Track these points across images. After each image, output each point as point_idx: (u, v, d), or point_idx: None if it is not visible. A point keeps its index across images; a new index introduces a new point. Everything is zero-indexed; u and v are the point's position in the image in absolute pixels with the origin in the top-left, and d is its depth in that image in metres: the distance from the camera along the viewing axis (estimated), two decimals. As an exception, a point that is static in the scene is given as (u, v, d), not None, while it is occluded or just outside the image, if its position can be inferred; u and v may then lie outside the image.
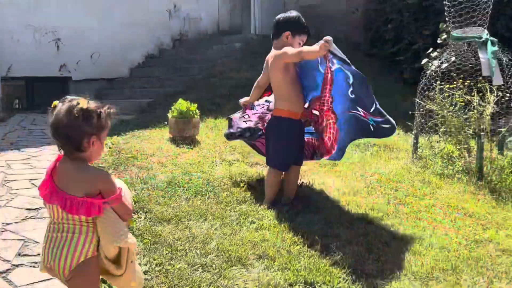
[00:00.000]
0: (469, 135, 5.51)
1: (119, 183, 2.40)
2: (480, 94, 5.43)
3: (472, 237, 3.93)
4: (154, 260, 3.33)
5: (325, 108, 4.23)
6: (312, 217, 4.14)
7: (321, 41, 3.83)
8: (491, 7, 5.45)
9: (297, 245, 3.65)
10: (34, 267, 3.32)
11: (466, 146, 5.51)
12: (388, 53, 11.42)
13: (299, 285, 3.14)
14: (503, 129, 5.58)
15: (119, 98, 10.29)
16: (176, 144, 6.06)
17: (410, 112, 6.29)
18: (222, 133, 6.59)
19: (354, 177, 5.17)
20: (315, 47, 3.90)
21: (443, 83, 5.78)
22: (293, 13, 4.46)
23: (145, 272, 3.15)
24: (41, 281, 3.15)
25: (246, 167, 5.29)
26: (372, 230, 3.95)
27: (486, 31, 5.49)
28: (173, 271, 3.22)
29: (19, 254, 3.48)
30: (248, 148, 5.77)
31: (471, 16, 5.55)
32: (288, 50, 4.19)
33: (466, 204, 4.57)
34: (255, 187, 4.71)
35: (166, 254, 3.42)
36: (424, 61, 7.05)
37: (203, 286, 3.08)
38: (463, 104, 5.54)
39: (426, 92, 5.85)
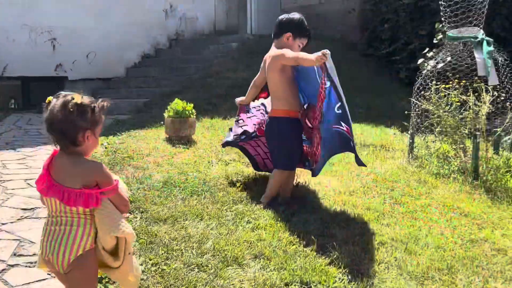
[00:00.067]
0: (465, 135, 5.51)
1: (114, 176, 2.40)
2: (476, 94, 5.44)
3: (467, 237, 3.93)
4: (150, 260, 3.33)
5: (315, 124, 4.24)
6: (308, 217, 4.14)
7: (319, 53, 3.81)
8: (486, 7, 5.46)
9: (293, 244, 3.65)
10: (29, 267, 3.31)
11: (461, 146, 5.52)
12: (384, 53, 11.44)
13: (295, 285, 3.14)
14: (498, 129, 5.59)
15: (115, 98, 10.26)
16: (172, 144, 6.05)
17: (406, 112, 6.30)
18: (218, 133, 6.63)
19: (350, 177, 5.17)
20: (312, 56, 3.89)
21: (439, 83, 5.79)
22: (297, 16, 4.46)
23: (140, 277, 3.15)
24: (37, 281, 3.15)
25: (242, 167, 5.29)
26: (368, 230, 3.95)
27: (481, 31, 5.50)
28: (169, 271, 3.21)
29: (14, 254, 3.47)
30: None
31: (467, 16, 5.56)
32: (286, 52, 4.20)
33: (462, 204, 4.58)
34: (251, 187, 4.71)
35: (162, 254, 3.42)
36: (420, 61, 7.06)
37: (199, 286, 3.08)
38: (458, 104, 5.54)
39: (422, 92, 5.86)
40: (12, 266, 3.33)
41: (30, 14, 10.46)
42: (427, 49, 7.31)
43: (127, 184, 4.55)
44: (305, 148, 4.52)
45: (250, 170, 5.16)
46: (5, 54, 10.15)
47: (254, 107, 4.87)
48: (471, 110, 5.41)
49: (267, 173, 5.00)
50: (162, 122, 6.77)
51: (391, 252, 3.62)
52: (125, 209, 2.40)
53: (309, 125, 4.34)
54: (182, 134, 6.18)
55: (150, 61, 12.31)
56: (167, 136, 6.32)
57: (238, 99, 4.96)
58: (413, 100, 5.96)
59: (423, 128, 5.86)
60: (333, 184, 4.91)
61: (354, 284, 3.18)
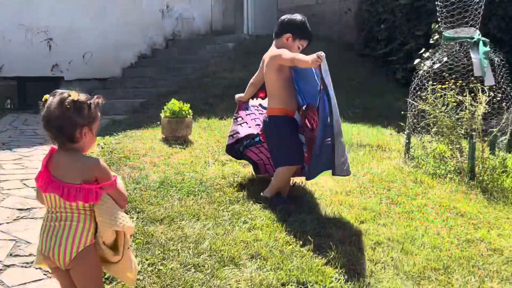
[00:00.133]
0: (461, 135, 5.52)
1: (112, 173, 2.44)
2: (472, 94, 5.45)
3: (464, 237, 3.94)
4: (147, 260, 3.32)
5: (315, 126, 4.23)
6: (304, 217, 4.13)
7: (314, 55, 3.81)
8: (483, 7, 5.48)
9: (290, 245, 3.65)
10: (25, 267, 3.31)
11: (458, 146, 5.52)
12: (380, 53, 11.47)
13: (291, 285, 3.14)
14: (494, 129, 5.59)
15: (112, 98, 10.25)
16: (168, 144, 6.05)
17: (402, 112, 6.31)
18: (215, 133, 6.63)
19: (346, 177, 5.17)
20: (308, 58, 3.89)
21: (435, 83, 5.79)
22: (298, 17, 4.44)
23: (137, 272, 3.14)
24: (33, 281, 3.15)
25: (239, 167, 5.29)
26: (364, 230, 3.95)
27: (478, 32, 5.51)
28: (165, 271, 3.21)
29: (10, 255, 3.46)
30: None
31: (463, 17, 5.57)
32: (283, 53, 4.21)
33: (458, 204, 4.59)
34: (248, 187, 4.71)
35: (159, 254, 3.41)
36: (417, 61, 7.08)
37: (196, 286, 3.08)
38: (455, 104, 5.55)
39: (418, 92, 5.87)
40: (8, 266, 3.32)
41: (26, 14, 10.44)
42: (423, 49, 7.32)
43: (123, 184, 4.54)
44: (306, 154, 4.48)
45: (247, 171, 5.16)
46: (1, 54, 10.13)
47: (253, 106, 4.88)
48: (467, 111, 5.41)
49: (265, 176, 5.00)
50: (158, 122, 6.76)
51: (388, 252, 3.62)
52: (124, 204, 2.44)
53: (309, 126, 4.34)
54: (178, 134, 6.18)
55: (146, 61, 12.30)
56: (164, 136, 6.32)
57: (237, 96, 4.99)
58: (410, 100, 5.96)
59: (419, 129, 5.87)
60: (330, 184, 4.91)
61: (350, 284, 3.18)
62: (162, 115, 6.29)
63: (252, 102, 4.91)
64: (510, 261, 3.61)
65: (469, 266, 3.49)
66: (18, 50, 10.34)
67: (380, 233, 3.91)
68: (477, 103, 5.36)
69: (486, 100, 5.34)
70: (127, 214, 3.91)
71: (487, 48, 5.38)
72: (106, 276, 3.09)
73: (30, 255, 3.45)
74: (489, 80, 5.33)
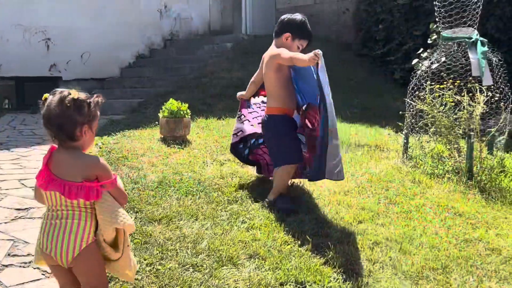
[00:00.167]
0: (459, 135, 5.52)
1: None
2: (470, 94, 5.45)
3: (462, 236, 3.94)
4: (145, 260, 3.32)
5: (316, 125, 4.21)
6: (303, 216, 4.14)
7: (311, 53, 3.80)
8: (481, 7, 5.48)
9: (288, 244, 3.65)
10: (24, 267, 3.30)
11: (456, 146, 5.53)
12: (379, 53, 11.48)
13: (290, 285, 3.14)
14: (492, 129, 5.60)
15: (110, 98, 10.23)
16: (167, 144, 6.05)
17: (400, 112, 6.31)
18: (213, 133, 6.63)
19: (345, 177, 5.17)
20: (305, 57, 3.88)
21: (433, 83, 5.79)
22: (298, 17, 4.42)
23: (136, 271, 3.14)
24: (31, 281, 3.14)
25: (237, 167, 5.29)
26: (362, 230, 3.95)
27: (476, 32, 5.52)
28: (163, 271, 3.21)
29: (8, 255, 3.46)
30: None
31: (461, 17, 5.58)
32: (282, 52, 4.20)
33: (456, 204, 4.59)
34: (246, 187, 4.71)
35: (157, 254, 3.41)
36: (415, 61, 7.08)
37: (194, 286, 3.07)
38: (453, 104, 5.55)
39: (417, 92, 5.87)
40: (6, 266, 3.31)
41: (24, 14, 10.44)
42: (421, 49, 7.33)
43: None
44: (305, 153, 4.47)
45: (245, 170, 5.16)
46: (-1, 54, 10.15)
47: (255, 104, 4.88)
48: (465, 111, 5.42)
49: (263, 175, 5.00)
50: (156, 122, 6.76)
51: (386, 252, 3.62)
52: (124, 202, 2.46)
53: (310, 126, 4.33)
54: (176, 134, 6.18)
55: (144, 61, 12.30)
56: (162, 136, 6.32)
57: (239, 94, 5.00)
58: (408, 100, 5.97)
59: (417, 128, 5.87)
60: (328, 184, 4.90)
61: (348, 284, 3.18)
62: (160, 115, 6.29)
63: (254, 100, 4.91)
64: (508, 261, 3.61)
65: (467, 266, 3.49)
66: (16, 50, 10.34)
67: (378, 233, 3.91)
68: (475, 103, 5.37)
69: (484, 100, 5.35)
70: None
71: (485, 48, 5.39)
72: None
73: (28, 255, 3.44)
74: (487, 80, 5.33)
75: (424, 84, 5.81)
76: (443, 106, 5.57)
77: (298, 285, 3.14)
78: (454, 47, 5.79)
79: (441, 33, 5.80)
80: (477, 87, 5.40)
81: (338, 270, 3.31)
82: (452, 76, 5.83)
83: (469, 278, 3.34)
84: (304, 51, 4.35)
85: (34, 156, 6.08)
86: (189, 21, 13.29)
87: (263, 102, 4.82)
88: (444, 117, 5.51)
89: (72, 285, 2.49)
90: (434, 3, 5.79)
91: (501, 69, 5.71)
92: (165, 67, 11.50)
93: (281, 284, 3.15)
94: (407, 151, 5.87)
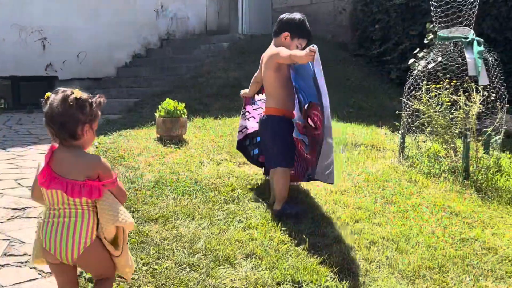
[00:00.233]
0: (455, 135, 5.54)
1: None
2: (466, 94, 5.46)
3: (458, 236, 3.95)
4: (141, 259, 3.32)
5: (319, 123, 4.18)
6: (302, 209, 4.15)
7: (307, 49, 3.77)
8: (477, 7, 5.49)
9: (285, 244, 3.65)
10: (20, 267, 3.30)
11: (452, 145, 5.54)
12: (375, 53, 11.50)
13: (286, 284, 3.14)
14: (488, 129, 5.61)
15: (106, 97, 10.18)
16: (163, 144, 6.04)
17: (396, 111, 6.32)
18: (210, 132, 6.63)
19: (341, 176, 5.17)
20: (302, 53, 3.86)
21: (429, 83, 5.80)
22: (297, 16, 4.39)
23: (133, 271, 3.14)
24: (27, 281, 3.13)
25: (234, 166, 5.29)
26: (359, 229, 3.96)
27: (472, 31, 5.52)
28: (160, 270, 3.21)
29: (4, 254, 3.45)
30: (235, 148, 5.77)
31: (458, 16, 5.59)
32: (281, 51, 4.16)
33: (453, 203, 4.60)
34: (243, 187, 4.71)
35: (153, 253, 3.41)
36: (411, 61, 7.09)
37: (191, 285, 3.07)
38: (449, 104, 5.56)
39: (413, 92, 5.88)
40: (3, 266, 3.30)
41: (21, 13, 10.42)
42: (418, 49, 7.33)
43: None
44: (307, 155, 4.43)
45: (241, 170, 5.16)
46: (-5, 54, 10.13)
47: (260, 100, 4.86)
48: (461, 110, 5.43)
49: (259, 173, 5.00)
50: (153, 122, 6.75)
51: (382, 251, 3.63)
52: (123, 200, 2.50)
53: (312, 125, 4.28)
54: (173, 134, 6.17)
55: (141, 61, 12.29)
56: (158, 135, 6.31)
57: (242, 91, 4.97)
58: (404, 100, 5.97)
59: (414, 128, 5.88)
60: (325, 183, 4.90)
61: (345, 283, 3.18)
62: (156, 114, 6.28)
63: (258, 97, 4.89)
64: (504, 260, 3.62)
65: (464, 265, 3.50)
66: (12, 49, 10.31)
67: (375, 232, 3.92)
68: (471, 102, 5.38)
69: (480, 99, 5.36)
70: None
71: (481, 48, 5.39)
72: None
73: (24, 254, 3.43)
74: (483, 80, 5.34)
75: (421, 83, 5.82)
76: (440, 105, 5.58)
77: (295, 285, 3.14)
78: (450, 47, 5.81)
79: (437, 32, 5.80)
80: (473, 87, 5.41)
81: (335, 270, 3.31)
82: (448, 75, 5.84)
83: (465, 277, 3.35)
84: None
85: (30, 156, 6.06)
86: (185, 20, 13.28)
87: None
88: (441, 117, 5.52)
89: (71, 284, 2.53)
90: (431, 2, 5.80)
91: (497, 68, 5.73)
92: (162, 66, 11.49)
93: (278, 284, 3.15)
94: (403, 151, 5.88)
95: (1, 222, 3.98)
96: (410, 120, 5.90)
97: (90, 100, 2.40)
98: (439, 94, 5.60)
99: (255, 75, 4.73)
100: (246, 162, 5.39)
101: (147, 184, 4.62)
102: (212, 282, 3.11)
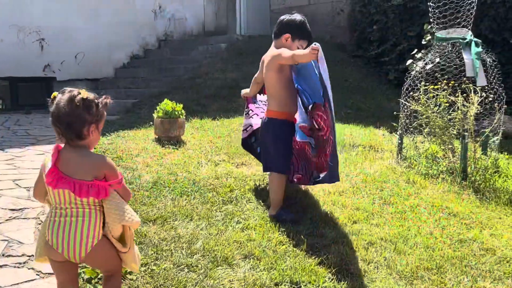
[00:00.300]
0: (453, 136, 5.54)
1: None
2: (464, 95, 5.47)
3: (456, 237, 3.95)
4: (140, 260, 3.31)
5: (322, 123, 4.15)
6: (297, 217, 4.15)
7: (310, 48, 3.74)
8: (475, 8, 5.50)
9: (283, 244, 3.65)
10: (18, 267, 3.29)
11: (450, 146, 5.54)
12: (373, 54, 11.51)
13: (284, 285, 3.14)
14: (486, 130, 5.62)
15: (104, 98, 10.22)
16: (161, 145, 6.04)
17: (394, 112, 6.33)
18: (208, 133, 6.62)
19: (339, 177, 5.17)
20: (306, 51, 3.82)
21: (427, 84, 5.81)
22: (298, 17, 4.34)
23: (130, 273, 3.14)
24: (25, 281, 3.13)
25: (232, 167, 5.29)
26: (357, 230, 3.96)
27: (470, 32, 5.53)
28: (158, 271, 3.21)
29: (2, 255, 3.44)
30: (233, 148, 5.78)
31: (455, 17, 5.60)
32: (283, 52, 4.10)
33: (451, 204, 4.60)
34: (241, 187, 4.71)
35: (152, 254, 3.41)
36: (409, 62, 7.10)
37: (189, 286, 3.07)
38: (447, 104, 5.57)
39: (411, 93, 5.88)
40: (1, 266, 3.30)
41: (19, 14, 10.40)
42: (415, 50, 7.35)
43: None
44: (315, 158, 4.31)
45: (239, 171, 5.16)
46: (-7, 54, 10.12)
47: (261, 101, 4.84)
48: (459, 111, 5.43)
49: (258, 173, 5.00)
50: (151, 123, 6.75)
51: (381, 252, 3.63)
52: (128, 198, 2.55)
53: (316, 126, 4.20)
54: (171, 135, 6.17)
55: (139, 61, 12.28)
56: (156, 136, 6.31)
57: (243, 92, 4.93)
58: (402, 101, 5.98)
59: (411, 129, 5.88)
60: (322, 184, 4.90)
61: (343, 284, 3.18)
62: (155, 115, 6.28)
63: (260, 97, 4.86)
64: (502, 261, 3.63)
65: (462, 266, 3.50)
66: (10, 50, 10.29)
67: (373, 233, 3.92)
68: (469, 103, 5.39)
69: (478, 100, 5.37)
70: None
71: (479, 49, 5.40)
72: (99, 276, 3.09)
73: (22, 255, 3.43)
74: (481, 81, 5.34)
75: (419, 84, 5.83)
76: (437, 106, 5.59)
77: (293, 285, 3.14)
78: (448, 48, 5.81)
79: (435, 33, 5.81)
80: (471, 88, 5.42)
81: (333, 270, 3.32)
82: (446, 76, 5.85)
83: (463, 278, 3.35)
84: None
85: (28, 157, 6.05)
86: (183, 21, 13.27)
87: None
88: (438, 118, 5.53)
89: (72, 282, 2.56)
90: (429, 4, 5.81)
91: (495, 69, 5.73)
92: (160, 67, 11.49)
93: (276, 284, 3.15)
94: (401, 152, 5.89)
95: (-1, 223, 3.98)
96: (408, 121, 5.90)
97: (96, 100, 2.43)
98: (437, 95, 5.61)
99: (256, 76, 4.68)
100: (244, 162, 5.40)
101: (145, 185, 4.62)
102: (210, 283, 3.11)
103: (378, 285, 3.22)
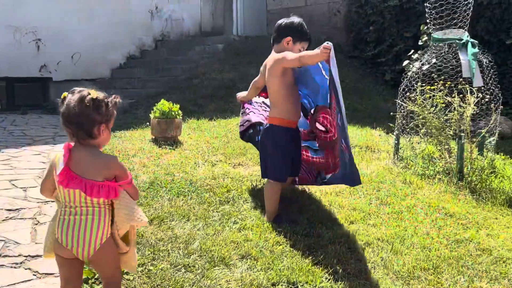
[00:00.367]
0: (450, 136, 5.56)
1: None
2: (461, 95, 5.48)
3: (453, 237, 3.96)
4: (137, 260, 3.31)
5: (329, 126, 4.11)
6: (294, 217, 4.15)
7: (321, 47, 3.64)
8: (471, 9, 5.51)
9: (280, 245, 3.65)
10: (15, 268, 3.29)
11: (446, 147, 5.56)
12: (369, 55, 11.53)
13: (282, 285, 3.14)
14: (483, 130, 5.63)
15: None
16: (158, 145, 6.03)
17: (391, 113, 6.34)
18: (205, 134, 6.62)
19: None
20: (315, 52, 3.73)
21: (424, 84, 5.82)
22: (296, 19, 4.24)
23: (127, 273, 3.14)
24: (22, 282, 3.12)
25: (229, 167, 5.29)
26: (354, 230, 3.97)
27: (466, 33, 5.54)
28: (155, 271, 3.21)
29: (-1, 255, 3.44)
30: (230, 149, 5.78)
31: (452, 18, 5.61)
32: (288, 55, 3.99)
33: (447, 204, 4.61)
34: (238, 188, 4.70)
35: (149, 254, 3.41)
36: (405, 62, 7.12)
37: (186, 286, 3.07)
38: (443, 105, 5.58)
39: (407, 94, 5.89)
40: (-3, 267, 3.30)
41: (15, 14, 10.37)
42: (412, 51, 7.37)
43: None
44: (317, 159, 4.36)
45: (236, 171, 5.16)
46: (-11, 55, 10.09)
47: (257, 102, 4.79)
48: (456, 112, 5.45)
49: (254, 174, 5.01)
50: (148, 123, 6.75)
51: (377, 252, 3.64)
52: (136, 197, 2.57)
53: (323, 128, 4.19)
54: (168, 135, 6.16)
55: (135, 62, 12.26)
56: (153, 137, 6.30)
57: (239, 95, 4.84)
58: (399, 101, 5.99)
59: (408, 130, 5.90)
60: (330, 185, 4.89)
61: (340, 284, 3.19)
62: (151, 115, 6.27)
63: (255, 99, 4.81)
64: (498, 261, 3.64)
65: (458, 266, 3.51)
66: (6, 50, 10.27)
67: (370, 233, 3.93)
68: (466, 104, 5.40)
69: (474, 101, 5.38)
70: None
71: (476, 50, 5.41)
72: (96, 277, 3.08)
73: (19, 255, 3.42)
74: (478, 81, 5.35)
75: (415, 85, 5.84)
76: (434, 107, 5.60)
77: (290, 285, 3.14)
78: (444, 49, 5.83)
79: (431, 34, 5.82)
80: (467, 88, 5.43)
81: (330, 270, 3.32)
82: (442, 77, 5.87)
83: (460, 278, 3.36)
84: None
85: (25, 157, 6.04)
86: (180, 22, 13.26)
87: (264, 102, 4.72)
88: (435, 118, 5.54)
89: (76, 279, 2.59)
90: (425, 4, 5.83)
91: (492, 70, 5.75)
92: (156, 68, 11.48)
93: (273, 285, 3.15)
94: (398, 152, 5.90)
95: (-4, 223, 3.97)
96: (404, 121, 5.92)
97: (106, 100, 2.44)
98: (434, 95, 5.62)
99: (256, 79, 4.53)
100: (241, 163, 5.40)
101: (142, 185, 4.62)
102: (208, 283, 3.11)
103: (375, 285, 3.22)
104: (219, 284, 3.12)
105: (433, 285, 3.28)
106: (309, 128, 4.39)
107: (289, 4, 13.09)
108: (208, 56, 11.35)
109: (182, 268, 3.27)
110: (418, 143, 5.90)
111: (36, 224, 3.94)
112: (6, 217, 4.09)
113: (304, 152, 4.39)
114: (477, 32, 9.36)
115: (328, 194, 4.72)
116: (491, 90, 5.67)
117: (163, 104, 6.22)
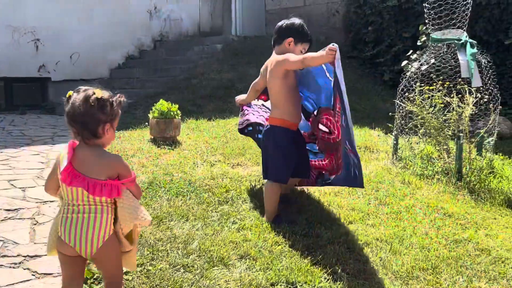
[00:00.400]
0: (448, 136, 5.56)
1: None
2: (459, 95, 5.49)
3: (451, 237, 3.97)
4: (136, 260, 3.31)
5: (332, 128, 4.09)
6: (293, 217, 4.15)
7: (327, 48, 3.62)
8: (470, 9, 5.51)
9: (279, 245, 3.65)
10: (13, 268, 3.28)
11: (445, 147, 5.56)
12: (368, 55, 11.53)
13: (280, 285, 3.14)
14: (481, 131, 5.64)
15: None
16: (157, 145, 6.03)
17: (390, 113, 6.34)
18: (204, 134, 6.62)
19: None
20: (319, 53, 3.69)
21: (422, 84, 5.83)
22: (297, 21, 4.22)
23: (126, 273, 3.13)
24: (21, 282, 3.12)
25: (228, 168, 5.29)
26: (353, 230, 3.97)
27: (465, 33, 5.55)
28: (154, 271, 3.20)
29: (-2, 255, 3.44)
30: (229, 149, 5.78)
31: (451, 18, 5.62)
32: (290, 56, 3.96)
33: (446, 205, 4.62)
34: (237, 188, 4.70)
35: (148, 254, 3.40)
36: (404, 63, 7.11)
37: (185, 286, 3.07)
38: (442, 105, 5.58)
39: (406, 94, 5.90)
40: (-4, 267, 3.29)
41: (14, 14, 10.37)
42: (411, 51, 7.36)
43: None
44: (317, 162, 4.36)
45: (235, 171, 5.16)
46: (-12, 55, 10.09)
47: (256, 105, 4.79)
48: (454, 112, 5.45)
49: (253, 174, 5.01)
50: (146, 123, 6.75)
51: (376, 252, 3.64)
52: (139, 196, 2.58)
53: (326, 130, 4.17)
54: (167, 135, 6.16)
55: (134, 62, 12.26)
56: (152, 137, 6.30)
57: (238, 99, 4.82)
58: (397, 101, 5.99)
59: (407, 130, 5.90)
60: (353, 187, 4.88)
61: (339, 284, 3.19)
62: (150, 115, 6.27)
63: (254, 102, 4.80)
64: (497, 261, 3.64)
65: (457, 266, 3.51)
66: (5, 50, 10.26)
67: (368, 234, 3.93)
68: (464, 104, 5.40)
69: (473, 101, 5.39)
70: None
71: (475, 50, 5.41)
72: (95, 277, 3.08)
73: (18, 255, 3.42)
74: (476, 82, 5.36)
75: (414, 85, 5.84)
76: (433, 107, 5.60)
77: (289, 285, 3.14)
78: (443, 49, 5.83)
79: (430, 34, 5.83)
80: (466, 89, 5.43)
81: (329, 270, 3.32)
82: (441, 77, 5.87)
83: (459, 278, 3.36)
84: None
85: (23, 157, 6.03)
86: (179, 22, 13.25)
87: (263, 105, 4.72)
88: (434, 119, 5.55)
89: (78, 277, 2.59)
90: (424, 5, 5.83)
91: (490, 70, 5.75)
92: (155, 68, 11.48)
93: (272, 285, 3.15)
94: (396, 152, 5.90)
95: (-6, 223, 3.97)
96: (403, 121, 5.92)
97: (111, 99, 2.48)
98: (432, 96, 5.63)
99: (256, 81, 4.50)
100: (240, 163, 5.41)
101: (141, 185, 4.60)
102: (206, 283, 3.11)
103: (373, 285, 3.23)
104: (218, 284, 3.12)
105: (432, 285, 3.28)
106: (310, 131, 4.38)
107: (287, 4, 13.09)
108: (206, 56, 11.35)
109: (181, 268, 3.27)
110: (417, 143, 5.90)
111: (35, 224, 3.94)
112: (5, 217, 4.08)
113: None
114: (475, 32, 9.37)
115: (327, 195, 4.72)
116: (489, 90, 5.67)
117: (162, 104, 6.22)
